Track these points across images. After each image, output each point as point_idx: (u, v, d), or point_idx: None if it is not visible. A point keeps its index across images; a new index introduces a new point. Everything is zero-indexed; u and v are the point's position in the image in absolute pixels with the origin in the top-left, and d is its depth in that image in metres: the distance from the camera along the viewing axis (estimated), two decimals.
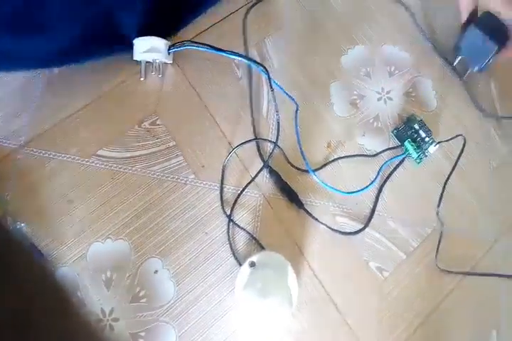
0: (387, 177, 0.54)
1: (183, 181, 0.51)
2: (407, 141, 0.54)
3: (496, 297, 0.52)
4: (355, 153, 0.55)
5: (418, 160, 0.55)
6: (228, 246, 0.49)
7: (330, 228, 0.51)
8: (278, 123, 0.53)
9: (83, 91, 0.53)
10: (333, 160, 0.54)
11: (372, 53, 0.60)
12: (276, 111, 0.52)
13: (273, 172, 0.52)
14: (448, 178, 0.54)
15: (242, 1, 0.60)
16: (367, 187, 0.52)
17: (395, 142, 0.56)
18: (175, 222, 0.50)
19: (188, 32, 0.57)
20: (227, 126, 0.54)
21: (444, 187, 0.54)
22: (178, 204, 0.50)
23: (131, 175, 0.51)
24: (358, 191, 0.52)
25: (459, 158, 0.54)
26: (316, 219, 0.51)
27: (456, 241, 0.53)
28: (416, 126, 0.55)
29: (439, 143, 0.54)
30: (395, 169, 0.55)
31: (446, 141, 0.54)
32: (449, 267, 0.51)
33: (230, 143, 0.53)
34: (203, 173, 0.52)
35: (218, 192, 0.51)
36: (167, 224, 0.50)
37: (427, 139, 0.54)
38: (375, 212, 0.52)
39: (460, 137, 0.53)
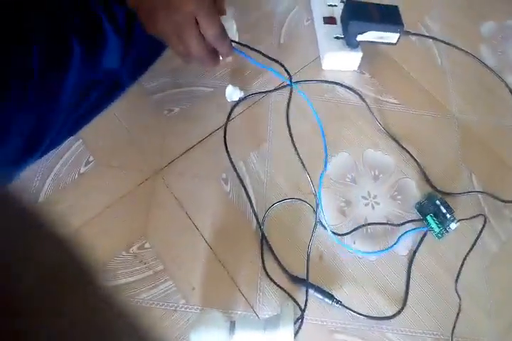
0: (413, 255, 0.55)
1: (172, 308, 0.48)
2: (429, 216, 0.55)
3: None
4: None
5: (440, 235, 0.55)
6: None
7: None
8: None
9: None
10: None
11: (355, 159, 0.61)
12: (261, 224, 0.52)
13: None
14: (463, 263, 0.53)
15: (222, 120, 0.61)
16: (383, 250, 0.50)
17: (417, 216, 0.57)
18: None
19: (176, 149, 0.58)
20: (218, 244, 0.53)
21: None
22: (168, 333, 0.47)
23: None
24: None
25: (478, 237, 0.56)
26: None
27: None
28: (437, 202, 0.56)
29: (460, 220, 0.55)
30: (419, 244, 0.55)
31: (468, 219, 0.56)
32: None
33: (222, 264, 0.51)
34: (194, 297, 0.49)
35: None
36: None
37: (448, 216, 0.55)
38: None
39: (480, 217, 0.56)
